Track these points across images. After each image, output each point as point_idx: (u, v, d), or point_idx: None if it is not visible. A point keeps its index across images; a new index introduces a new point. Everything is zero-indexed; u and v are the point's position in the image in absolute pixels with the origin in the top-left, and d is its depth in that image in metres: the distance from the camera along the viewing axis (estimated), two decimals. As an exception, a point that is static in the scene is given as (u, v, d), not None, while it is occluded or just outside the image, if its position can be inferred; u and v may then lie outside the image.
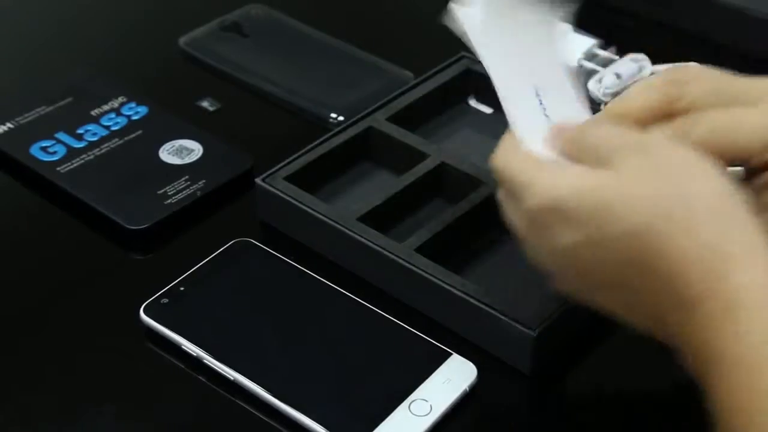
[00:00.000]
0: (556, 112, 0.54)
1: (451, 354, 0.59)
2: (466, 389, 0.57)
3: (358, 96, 0.78)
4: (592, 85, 0.72)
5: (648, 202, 0.47)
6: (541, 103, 0.54)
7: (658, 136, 0.50)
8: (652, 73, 0.72)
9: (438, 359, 0.59)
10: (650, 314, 0.49)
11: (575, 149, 0.51)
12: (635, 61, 0.73)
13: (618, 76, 0.72)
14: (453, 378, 0.58)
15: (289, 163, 0.69)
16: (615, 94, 0.70)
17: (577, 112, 0.55)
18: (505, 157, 0.53)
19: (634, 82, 0.71)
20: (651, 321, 0.49)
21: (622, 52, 0.74)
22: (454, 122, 0.76)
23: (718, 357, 0.45)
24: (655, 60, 0.73)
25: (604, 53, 0.74)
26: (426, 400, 0.57)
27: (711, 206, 0.46)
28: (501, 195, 0.54)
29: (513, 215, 0.53)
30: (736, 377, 0.44)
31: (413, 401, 0.56)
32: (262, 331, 0.61)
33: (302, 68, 0.83)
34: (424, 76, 0.76)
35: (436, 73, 0.77)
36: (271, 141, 0.77)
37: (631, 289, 0.49)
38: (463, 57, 0.77)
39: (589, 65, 0.73)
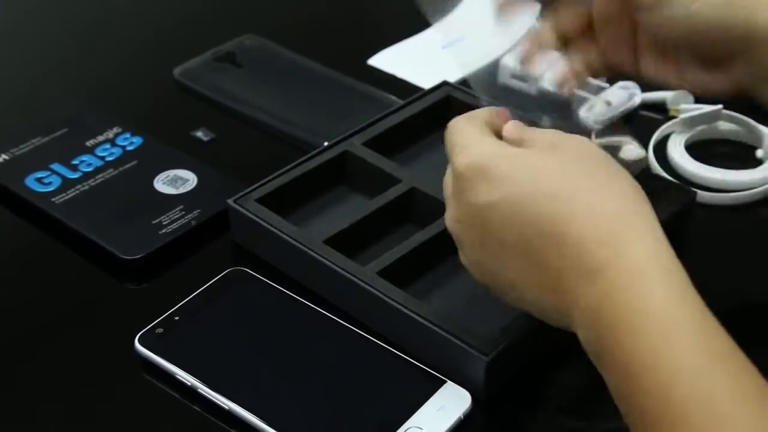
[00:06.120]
0: None
1: (446, 381, 0.59)
2: (460, 416, 0.58)
3: (350, 124, 0.79)
4: (583, 112, 0.72)
5: (565, 173, 0.52)
6: None
7: (574, 137, 0.56)
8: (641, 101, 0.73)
9: (432, 387, 0.59)
10: (550, 284, 0.51)
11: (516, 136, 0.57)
12: (625, 88, 0.74)
13: (608, 103, 0.73)
14: (447, 405, 0.58)
15: (262, 185, 0.69)
16: (606, 122, 0.71)
17: None
18: (459, 121, 0.58)
19: (625, 109, 0.72)
20: (549, 292, 0.51)
21: (612, 81, 0.75)
22: (433, 148, 0.76)
23: (618, 321, 0.47)
24: (645, 88, 0.73)
25: (594, 81, 0.74)
26: (421, 428, 0.57)
27: (617, 186, 0.52)
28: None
29: (447, 176, 0.57)
30: (640, 338, 0.46)
31: (408, 429, 0.57)
32: (257, 360, 0.61)
33: (295, 97, 0.84)
34: (405, 101, 0.77)
35: (417, 99, 0.77)
36: (265, 170, 0.77)
37: (537, 252, 0.51)
38: (444, 84, 0.78)
39: (581, 93, 0.74)
